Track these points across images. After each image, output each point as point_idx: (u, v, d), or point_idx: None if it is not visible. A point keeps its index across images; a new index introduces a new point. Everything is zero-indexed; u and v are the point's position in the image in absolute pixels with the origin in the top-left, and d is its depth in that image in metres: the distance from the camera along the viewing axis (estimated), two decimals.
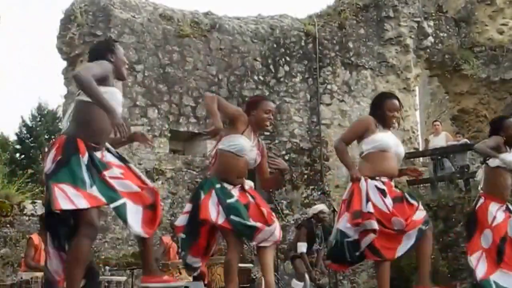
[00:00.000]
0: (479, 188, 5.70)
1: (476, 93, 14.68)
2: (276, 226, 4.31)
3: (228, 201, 4.23)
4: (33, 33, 47.05)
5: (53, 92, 48.12)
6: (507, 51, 14.29)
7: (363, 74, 13.11)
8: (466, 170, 11.52)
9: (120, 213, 3.61)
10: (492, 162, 5.54)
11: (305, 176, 12.21)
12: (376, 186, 4.51)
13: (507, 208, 5.51)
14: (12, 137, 26.05)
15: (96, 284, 6.16)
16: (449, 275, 9.45)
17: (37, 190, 10.35)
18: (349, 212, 4.50)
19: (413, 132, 13.55)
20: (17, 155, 24.90)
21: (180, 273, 7.63)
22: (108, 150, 3.87)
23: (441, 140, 12.46)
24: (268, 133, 11.95)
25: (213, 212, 4.21)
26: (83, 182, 3.53)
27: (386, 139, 4.63)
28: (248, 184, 4.58)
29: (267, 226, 4.23)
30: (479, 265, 5.34)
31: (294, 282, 8.59)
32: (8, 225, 9.16)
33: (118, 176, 3.71)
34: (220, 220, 4.19)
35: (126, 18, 10.94)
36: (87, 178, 3.54)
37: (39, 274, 6.68)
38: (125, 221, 3.64)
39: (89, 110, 3.66)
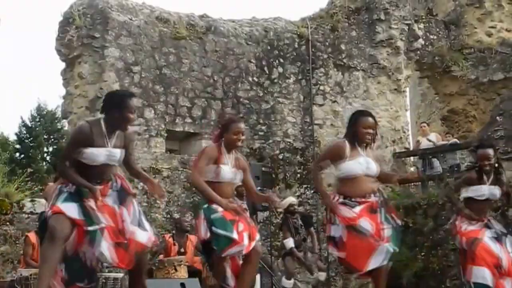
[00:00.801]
0: None
1: (465, 94, 14.78)
2: (245, 244, 4.69)
3: (212, 216, 4.68)
4: (33, 33, 47.02)
5: (52, 93, 48.24)
6: (495, 53, 14.34)
7: (355, 75, 13.17)
8: (456, 169, 11.74)
9: (92, 237, 4.14)
10: (464, 193, 5.71)
11: (298, 175, 12.33)
12: (344, 203, 4.82)
13: (486, 225, 5.57)
14: (12, 137, 26.29)
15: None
16: (439, 272, 9.62)
17: (36, 188, 10.35)
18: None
19: (404, 132, 13.64)
20: (17, 154, 25.08)
21: (176, 270, 7.63)
22: (118, 190, 4.41)
23: (432, 140, 12.67)
24: (262, 133, 12.18)
25: (203, 229, 4.73)
26: (58, 200, 4.28)
27: (352, 168, 4.83)
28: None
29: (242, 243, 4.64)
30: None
31: (284, 280, 8.69)
32: (8, 223, 9.26)
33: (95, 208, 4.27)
34: (207, 235, 4.69)
35: (123, 20, 11.01)
36: (62, 199, 4.26)
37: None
38: (98, 245, 4.13)
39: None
